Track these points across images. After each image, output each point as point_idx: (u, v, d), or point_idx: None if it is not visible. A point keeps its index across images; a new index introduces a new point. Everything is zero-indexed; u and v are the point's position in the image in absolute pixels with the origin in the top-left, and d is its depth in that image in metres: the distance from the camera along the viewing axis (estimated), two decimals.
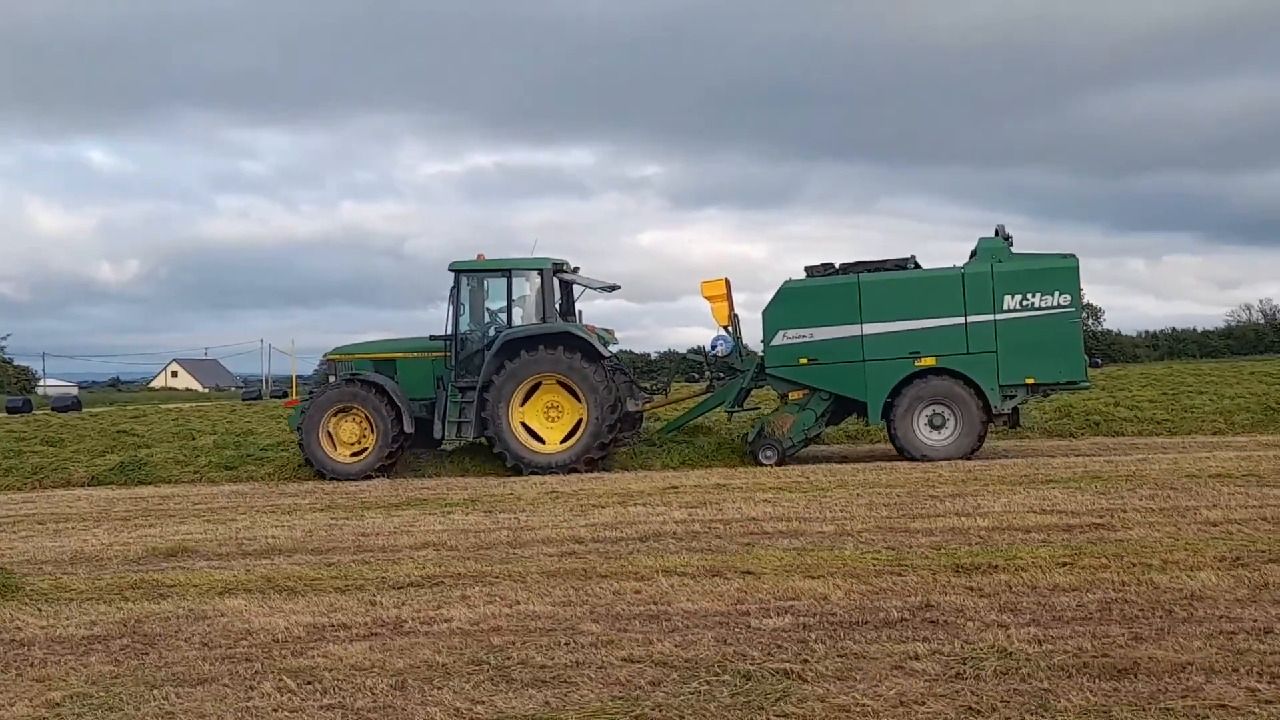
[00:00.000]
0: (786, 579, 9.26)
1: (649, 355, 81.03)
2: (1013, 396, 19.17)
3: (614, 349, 20.98)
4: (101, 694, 6.83)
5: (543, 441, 19.73)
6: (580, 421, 19.57)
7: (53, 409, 65.40)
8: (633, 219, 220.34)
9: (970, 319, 19.00)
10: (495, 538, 12.24)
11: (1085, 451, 19.98)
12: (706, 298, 20.58)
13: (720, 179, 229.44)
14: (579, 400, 19.54)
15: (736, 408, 20.90)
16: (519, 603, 8.85)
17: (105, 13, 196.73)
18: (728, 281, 20.63)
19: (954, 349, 19.05)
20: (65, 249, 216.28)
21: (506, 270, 20.34)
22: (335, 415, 20.20)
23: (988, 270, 19.07)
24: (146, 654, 7.79)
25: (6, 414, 60.17)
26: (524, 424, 19.69)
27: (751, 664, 6.80)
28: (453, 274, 20.22)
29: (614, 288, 22.17)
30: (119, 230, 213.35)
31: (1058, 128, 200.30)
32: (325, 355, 22.22)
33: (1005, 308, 18.91)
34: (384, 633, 8.09)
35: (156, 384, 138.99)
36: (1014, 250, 19.37)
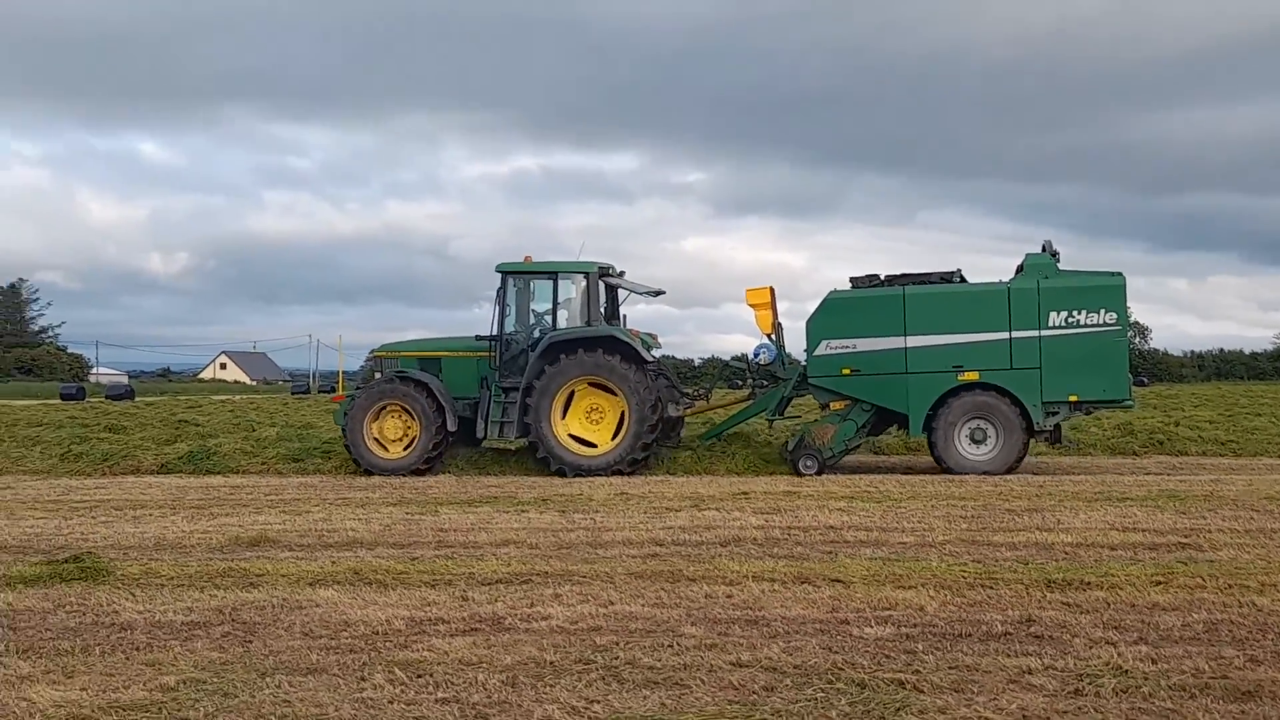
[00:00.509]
0: (878, 589, 9.23)
1: (692, 361, 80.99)
2: (1055, 413, 19.04)
3: (657, 353, 21.04)
4: (214, 680, 6.88)
5: (584, 444, 19.79)
6: (622, 424, 19.62)
7: (107, 397, 66.10)
8: (675, 225, 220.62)
9: (1015, 334, 18.90)
10: (574, 537, 12.25)
11: (1152, 470, 19.78)
12: (751, 305, 20.57)
13: (762, 187, 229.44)
14: (621, 403, 19.59)
15: (777, 416, 20.87)
16: (613, 603, 8.85)
17: (154, 6, 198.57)
18: (772, 290, 20.65)
19: (997, 364, 18.95)
20: (115, 240, 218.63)
21: (553, 273, 20.48)
22: (380, 411, 20.34)
23: (1034, 286, 18.97)
24: (250, 642, 7.85)
25: (61, 401, 60.87)
26: (565, 426, 19.76)
27: (863, 673, 6.77)
28: (500, 275, 20.37)
29: (659, 293, 22.19)
30: (168, 222, 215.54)
31: (1099, 144, 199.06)
32: (372, 351, 22.34)
33: (1050, 324, 18.81)
34: (483, 629, 8.11)
35: (205, 375, 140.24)
36: (1060, 267, 19.25)
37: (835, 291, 19.85)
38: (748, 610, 8.58)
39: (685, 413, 21.38)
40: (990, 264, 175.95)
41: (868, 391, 19.48)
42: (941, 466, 19.07)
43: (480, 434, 20.27)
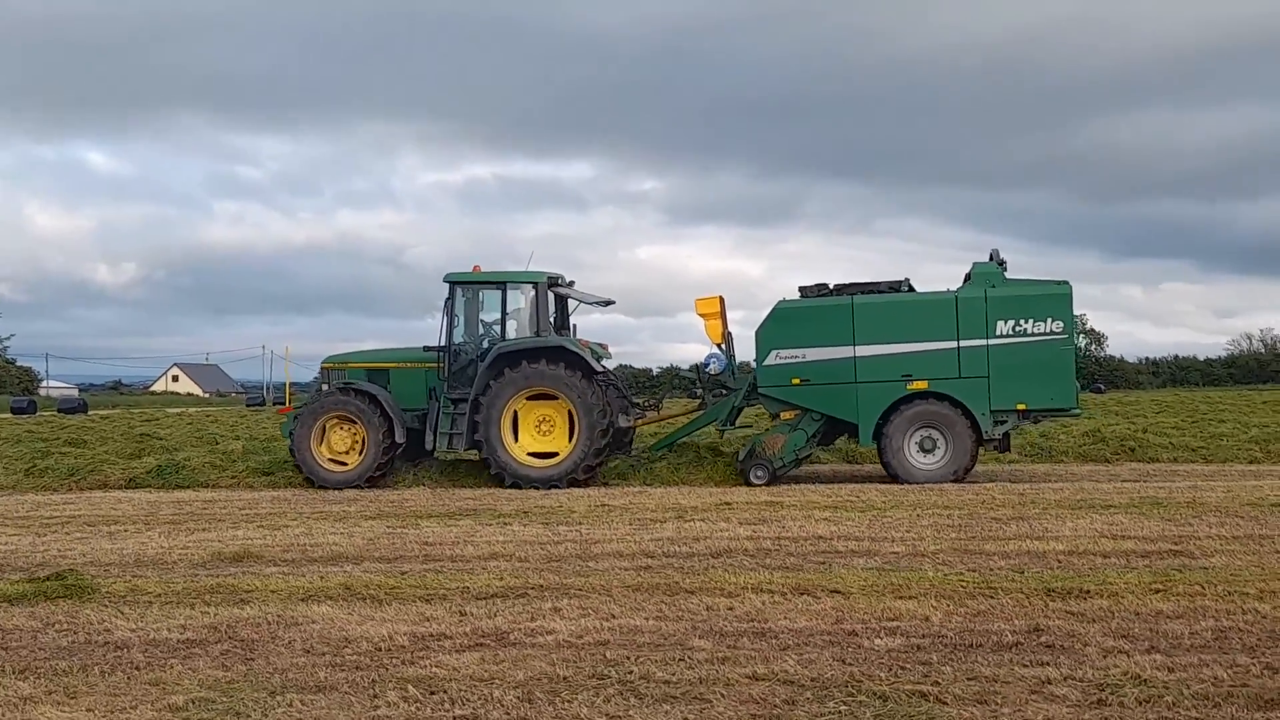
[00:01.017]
0: (879, 599, 9.19)
1: (650, 370, 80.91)
2: (1003, 422, 19.10)
3: (608, 364, 21.01)
4: (223, 699, 6.74)
5: (535, 455, 19.67)
6: (572, 435, 19.54)
7: (59, 410, 65.27)
8: (630, 233, 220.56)
9: (963, 343, 18.94)
10: (563, 550, 12.14)
11: (1127, 477, 19.88)
12: (701, 315, 20.55)
13: (719, 195, 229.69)
14: (571, 414, 19.52)
15: (728, 426, 20.82)
16: (615, 616, 8.76)
17: (102, 13, 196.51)
18: (722, 299, 20.64)
19: (946, 373, 18.99)
20: (63, 250, 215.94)
21: (501, 283, 20.32)
22: (328, 424, 20.19)
23: (981, 295, 19.01)
24: (252, 659, 7.71)
25: (11, 414, 60.03)
26: (515, 437, 19.64)
27: (883, 685, 6.72)
28: (448, 285, 20.21)
29: (609, 302, 22.17)
30: (117, 233, 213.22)
31: (1054, 151, 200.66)
32: (321, 364, 22.13)
33: (998, 333, 18.85)
34: (488, 644, 8.00)
35: (157, 388, 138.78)
36: (1008, 275, 19.37)
37: (784, 301, 19.84)
38: (752, 622, 8.52)
39: (636, 423, 21.30)
40: (948, 271, 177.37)
41: (817, 401, 19.49)
42: (891, 476, 19.12)
43: (429, 446, 20.10)
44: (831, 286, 19.94)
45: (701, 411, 21.18)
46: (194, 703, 6.69)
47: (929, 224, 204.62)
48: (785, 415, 19.81)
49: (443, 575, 10.71)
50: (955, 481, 18.57)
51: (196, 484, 20.55)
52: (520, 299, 20.38)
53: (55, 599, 9.81)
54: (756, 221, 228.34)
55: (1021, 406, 18.93)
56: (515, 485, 19.21)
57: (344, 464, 20.03)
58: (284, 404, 28.59)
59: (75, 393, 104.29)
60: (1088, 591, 9.30)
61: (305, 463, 19.96)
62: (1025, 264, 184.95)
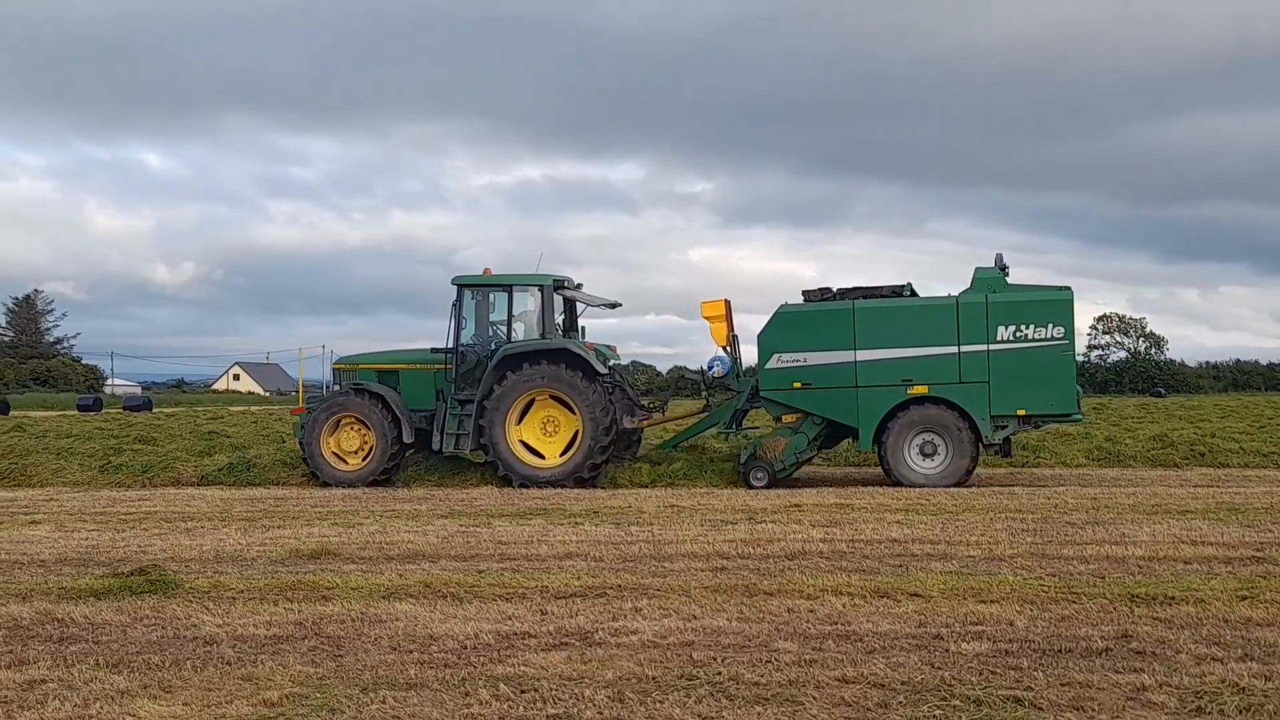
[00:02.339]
0: (960, 603, 9.14)
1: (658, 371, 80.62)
2: (1004, 427, 19.03)
3: (615, 364, 21.21)
4: (316, 695, 6.81)
5: (538, 455, 19.87)
6: (576, 437, 19.69)
7: (125, 408, 66.15)
8: (682, 235, 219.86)
9: (964, 348, 18.89)
10: (636, 550, 12.16)
11: (1199, 483, 19.62)
12: (706, 318, 20.62)
13: (768, 196, 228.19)
14: (575, 416, 19.66)
15: (732, 428, 20.84)
16: (696, 617, 8.77)
17: (149, 14, 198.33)
18: (728, 302, 20.71)
19: (946, 378, 18.93)
20: (122, 250, 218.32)
21: (508, 286, 20.59)
22: (338, 424, 20.48)
23: (982, 300, 18.95)
24: (340, 656, 7.78)
25: (79, 411, 60.90)
26: (520, 438, 19.85)
27: (975, 689, 6.68)
28: (455, 288, 20.47)
29: (615, 305, 22.42)
30: (174, 232, 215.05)
31: (1109, 152, 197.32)
32: (333, 364, 22.42)
33: (999, 338, 18.79)
34: (573, 643, 8.03)
35: (219, 386, 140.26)
36: (1010, 281, 19.27)
37: (786, 305, 19.87)
38: (835, 624, 8.49)
39: (641, 424, 21.38)
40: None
41: (818, 405, 19.50)
42: (891, 480, 19.07)
43: (436, 446, 20.38)
44: (835, 291, 19.97)
45: (706, 414, 21.24)
46: (288, 698, 6.76)
47: (979, 225, 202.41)
48: (787, 418, 19.90)
49: (520, 574, 10.76)
50: (956, 486, 18.53)
51: (267, 481, 20.81)
52: (527, 301, 20.69)
53: (141, 594, 9.95)
54: (806, 222, 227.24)
55: (1022, 412, 18.89)
56: (521, 485, 19.45)
57: (352, 463, 20.38)
58: (298, 404, 29.13)
59: (139, 391, 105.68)
60: (1173, 598, 9.20)
61: (314, 461, 20.39)
62: (1077, 265, 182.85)
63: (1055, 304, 18.90)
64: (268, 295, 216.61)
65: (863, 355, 19.17)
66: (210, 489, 20.26)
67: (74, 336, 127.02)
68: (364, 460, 20.36)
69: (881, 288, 19.90)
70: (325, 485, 20.07)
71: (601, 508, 16.05)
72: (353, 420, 20.45)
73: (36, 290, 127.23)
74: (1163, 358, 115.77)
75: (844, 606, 9.09)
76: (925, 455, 19.04)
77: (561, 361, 19.61)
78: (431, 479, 20.45)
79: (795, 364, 19.43)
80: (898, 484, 18.75)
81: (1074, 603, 9.11)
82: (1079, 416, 19.65)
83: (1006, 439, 19.42)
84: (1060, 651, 7.59)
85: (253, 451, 23.18)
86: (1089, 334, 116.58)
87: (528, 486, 19.30)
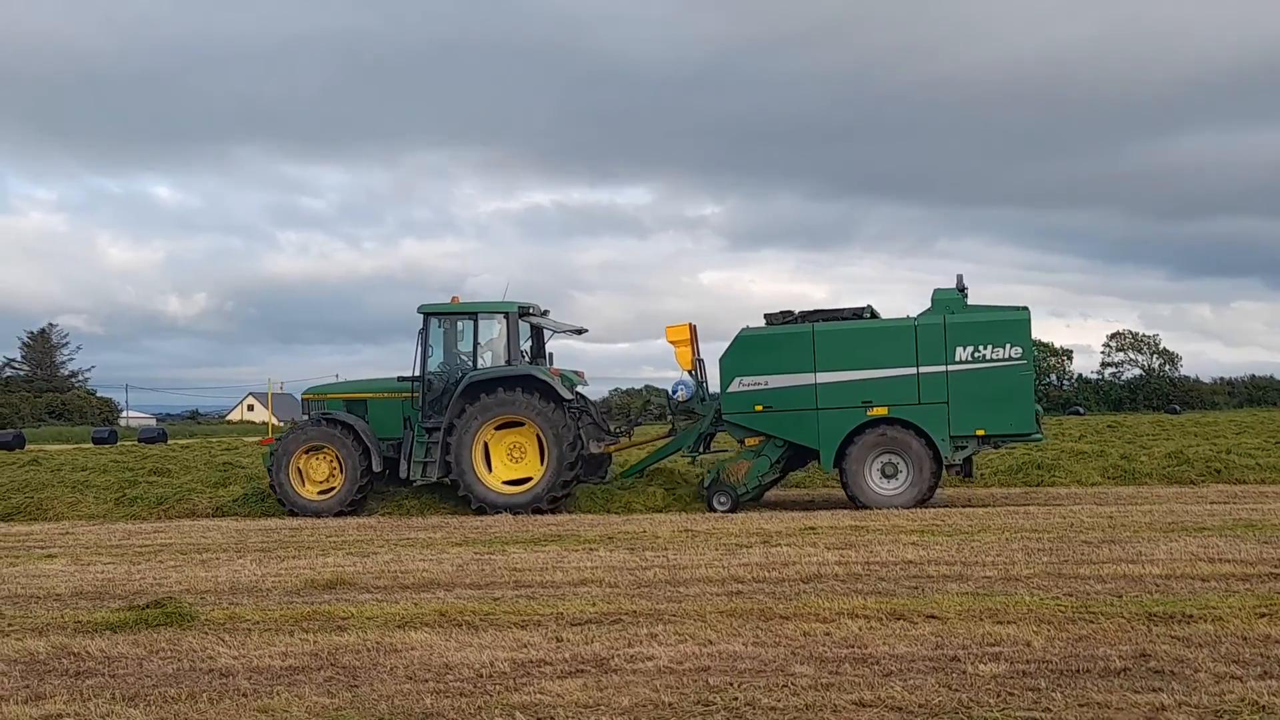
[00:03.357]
0: (977, 624, 9.10)
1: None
2: (964, 447, 19.07)
3: (582, 389, 21.33)
4: None
5: (507, 482, 19.99)
6: (542, 462, 19.81)
7: (140, 440, 66.33)
8: (691, 258, 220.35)
9: (922, 370, 18.96)
10: (652, 576, 12.14)
11: (1215, 499, 19.55)
12: (671, 342, 20.70)
13: (776, 219, 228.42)
14: (541, 441, 19.75)
15: (697, 452, 20.89)
16: (712, 642, 8.75)
17: (159, 47, 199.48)
18: (692, 327, 20.79)
19: (906, 399, 19.00)
20: (134, 282, 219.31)
21: (473, 313, 20.79)
22: (306, 454, 20.58)
23: (940, 322, 19.03)
24: (356, 686, 7.77)
25: (94, 444, 61.10)
26: (487, 464, 19.94)
27: (993, 712, 6.65)
28: (422, 316, 20.62)
29: (581, 331, 22.61)
30: (185, 264, 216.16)
31: (1116, 170, 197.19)
32: (302, 394, 22.51)
33: (957, 359, 18.86)
34: (589, 670, 8.02)
35: (233, 417, 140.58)
36: (969, 302, 19.34)
37: (747, 329, 19.96)
38: (852, 648, 8.46)
39: (609, 449, 21.43)
40: (1011, 293, 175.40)
41: (780, 428, 19.56)
42: (853, 502, 19.10)
43: (403, 473, 20.49)
44: (796, 314, 20.05)
45: (671, 438, 21.28)
46: None
47: (989, 245, 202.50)
48: (749, 442, 19.96)
49: (535, 601, 10.75)
50: (917, 507, 18.57)
51: (282, 512, 20.79)
52: (493, 329, 20.84)
53: (156, 626, 9.96)
54: (816, 244, 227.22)
55: (981, 432, 18.95)
56: (484, 511, 19.56)
57: (322, 492, 20.49)
58: (267, 435, 29.48)
59: (154, 423, 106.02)
60: (1191, 616, 9.16)
61: (283, 491, 20.48)
62: (1089, 283, 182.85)
63: (1012, 324, 19.00)
64: (280, 325, 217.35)
65: (823, 378, 19.27)
66: (225, 520, 20.29)
67: (89, 369, 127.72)
68: (333, 489, 20.46)
69: (842, 310, 20.02)
70: (294, 514, 20.22)
71: (616, 533, 16.04)
72: (321, 450, 20.56)
73: (51, 324, 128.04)
74: (1177, 374, 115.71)
75: (860, 629, 9.06)
76: (886, 476, 19.11)
77: (527, 388, 19.79)
78: (445, 508, 20.45)
79: (757, 387, 19.53)
80: (861, 506, 18.81)
81: (1091, 622, 9.07)
82: (1039, 436, 19.75)
83: (967, 459, 19.49)
84: (1078, 672, 7.55)
85: (266, 482, 23.16)
86: (1102, 352, 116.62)
87: (494, 512, 19.44)
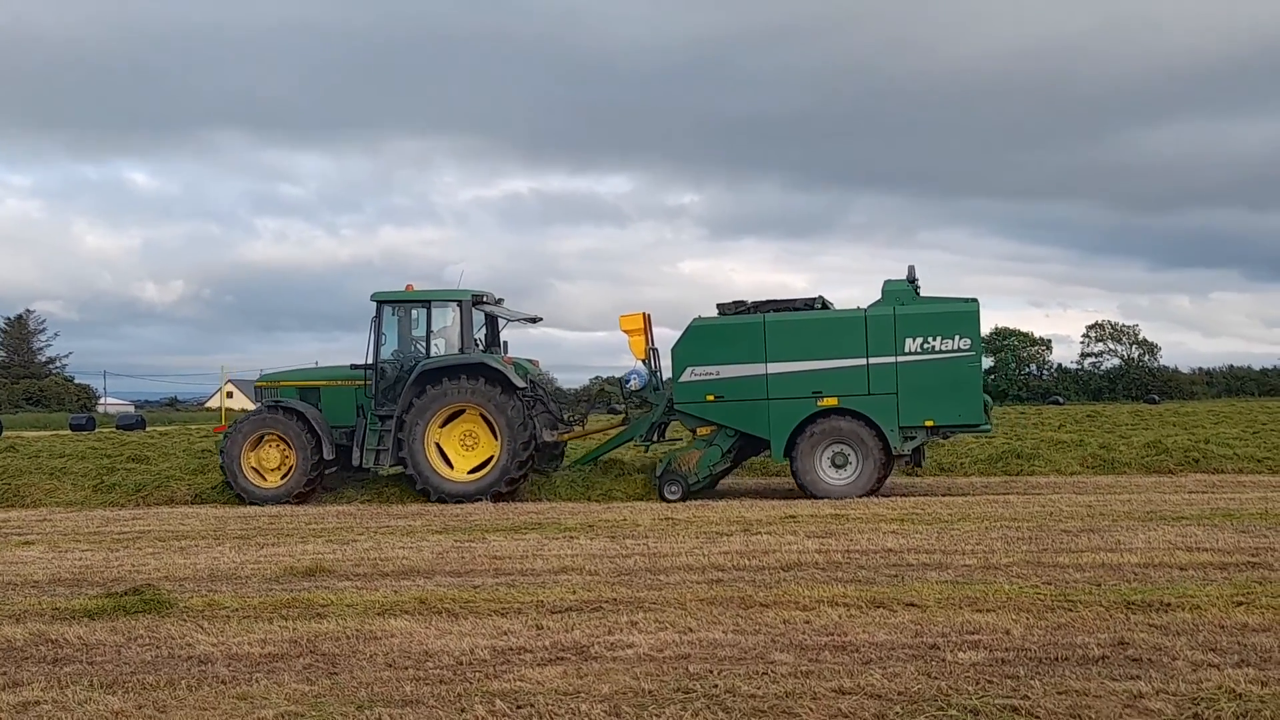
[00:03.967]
0: (956, 612, 9.12)
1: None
2: (913, 438, 19.17)
3: (536, 378, 21.43)
4: (312, 713, 6.79)
5: (458, 470, 20.06)
6: (494, 451, 19.84)
7: (118, 427, 66.02)
8: (671, 247, 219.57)
9: (872, 360, 19.06)
10: (632, 564, 12.14)
11: (1194, 489, 19.65)
12: (625, 331, 20.77)
13: (757, 208, 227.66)
14: (493, 430, 19.80)
15: (650, 441, 20.99)
16: (692, 630, 8.75)
17: (138, 33, 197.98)
18: (646, 316, 20.86)
19: (855, 390, 19.10)
20: (111, 269, 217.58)
21: (426, 301, 20.81)
22: (259, 441, 20.61)
23: (890, 313, 19.13)
24: (335, 673, 7.75)
25: (71, 431, 60.80)
26: (441, 452, 20.02)
27: (972, 699, 6.66)
28: (375, 304, 20.63)
29: (536, 319, 22.68)
30: (163, 251, 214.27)
31: (1095, 160, 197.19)
32: (255, 382, 22.49)
33: (906, 350, 18.97)
34: (569, 657, 8.01)
35: (212, 404, 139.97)
36: (920, 294, 19.46)
37: (699, 319, 20.03)
38: (831, 636, 8.47)
39: (562, 437, 21.50)
40: (991, 283, 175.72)
41: (731, 417, 19.64)
42: (803, 491, 19.16)
43: (356, 461, 20.53)
44: (749, 304, 20.11)
45: (624, 427, 21.34)
46: (283, 717, 6.74)
47: (971, 235, 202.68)
48: (701, 431, 20.06)
49: (515, 589, 10.74)
50: (866, 496, 18.67)
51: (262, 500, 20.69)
52: (447, 317, 20.83)
53: (135, 614, 9.91)
54: (796, 234, 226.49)
55: (929, 423, 19.06)
56: (438, 500, 19.60)
57: (273, 480, 20.51)
58: (220, 423, 29.39)
59: (132, 409, 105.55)
60: (1169, 604, 9.20)
61: (235, 479, 20.52)
62: (1069, 274, 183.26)
63: (961, 315, 19.10)
64: (259, 312, 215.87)
65: (774, 368, 19.35)
66: (204, 507, 20.22)
67: (66, 356, 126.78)
68: (284, 477, 20.46)
69: (794, 300, 20.11)
70: (244, 502, 20.24)
71: (596, 521, 16.04)
72: (274, 437, 20.56)
73: (28, 310, 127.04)
74: (1156, 364, 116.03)
75: (840, 617, 9.08)
76: (836, 466, 19.20)
77: (479, 376, 19.83)
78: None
79: (708, 377, 19.60)
80: (811, 496, 18.86)
81: (1070, 611, 9.10)
82: (987, 428, 19.85)
83: (917, 449, 19.58)
84: (1057, 660, 7.58)
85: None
86: (1082, 342, 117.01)
87: (448, 501, 19.44)
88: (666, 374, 20.61)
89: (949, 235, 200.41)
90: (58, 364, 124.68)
